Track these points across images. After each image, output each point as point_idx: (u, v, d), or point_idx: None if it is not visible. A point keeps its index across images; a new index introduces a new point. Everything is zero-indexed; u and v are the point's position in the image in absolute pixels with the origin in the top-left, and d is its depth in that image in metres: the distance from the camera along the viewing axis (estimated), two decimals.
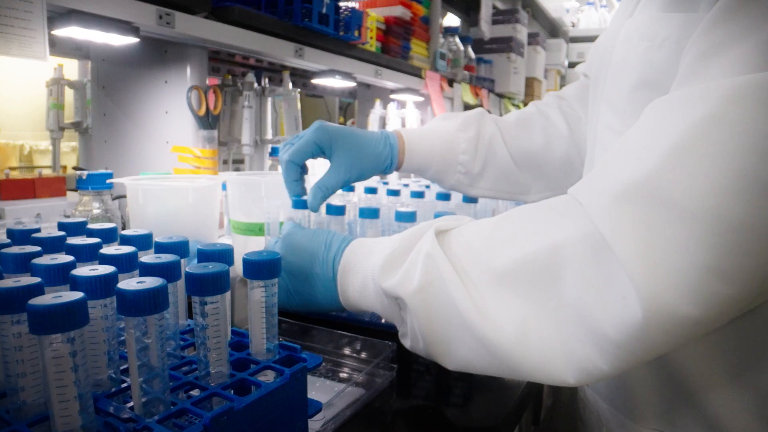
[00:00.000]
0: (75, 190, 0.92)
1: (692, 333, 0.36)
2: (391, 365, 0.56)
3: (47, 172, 1.33)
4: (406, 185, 1.15)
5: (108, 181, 0.88)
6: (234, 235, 0.92)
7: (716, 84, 0.37)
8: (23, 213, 1.09)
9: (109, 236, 0.48)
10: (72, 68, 1.55)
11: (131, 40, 0.94)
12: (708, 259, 0.34)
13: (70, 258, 0.37)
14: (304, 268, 0.59)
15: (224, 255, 0.40)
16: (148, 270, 0.36)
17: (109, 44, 1.16)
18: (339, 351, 0.60)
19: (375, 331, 0.69)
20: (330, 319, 0.72)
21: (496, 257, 0.44)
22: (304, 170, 0.74)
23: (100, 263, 0.39)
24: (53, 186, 1.22)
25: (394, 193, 0.98)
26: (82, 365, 0.28)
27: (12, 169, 1.77)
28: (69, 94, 1.51)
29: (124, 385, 0.35)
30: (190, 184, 0.78)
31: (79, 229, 0.52)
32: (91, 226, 0.51)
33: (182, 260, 0.44)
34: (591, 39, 4.17)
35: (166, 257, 0.38)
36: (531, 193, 0.85)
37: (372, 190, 1.00)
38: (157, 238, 0.44)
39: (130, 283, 0.30)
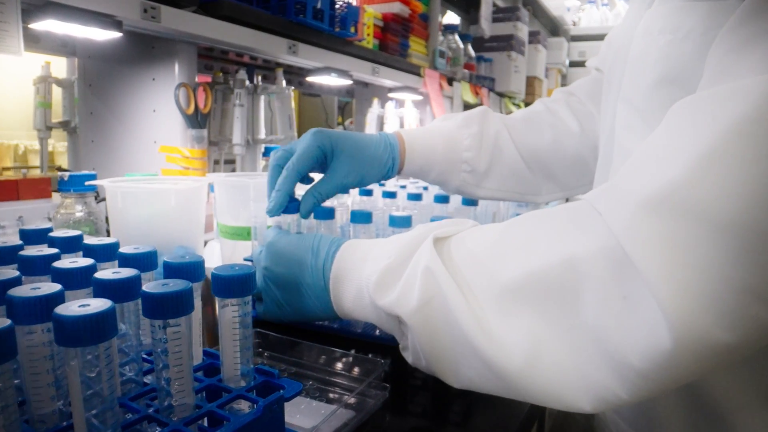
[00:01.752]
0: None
1: (727, 360, 0.32)
2: (383, 384, 0.51)
3: (37, 173, 1.29)
4: (403, 186, 1.11)
5: (88, 183, 0.83)
6: (222, 239, 0.87)
7: (751, 81, 0.33)
8: (5, 215, 1.05)
9: (71, 245, 0.44)
10: (61, 66, 1.51)
11: (114, 34, 0.89)
12: (745, 279, 0.30)
13: (14, 273, 0.32)
14: (293, 279, 0.55)
15: (192, 269, 0.36)
16: (101, 288, 0.32)
17: (95, 40, 1.12)
18: (328, 368, 0.55)
19: (369, 344, 0.65)
20: (321, 331, 0.67)
21: (503, 270, 0.40)
22: (304, 180, 0.67)
23: (52, 279, 0.34)
24: (38, 187, 1.17)
25: (391, 195, 0.93)
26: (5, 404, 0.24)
27: (6, 169, 1.73)
28: (57, 92, 1.47)
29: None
30: (173, 186, 0.73)
31: (41, 236, 0.47)
32: (56, 233, 0.46)
33: (151, 273, 0.40)
34: (592, 38, 4.13)
35: (126, 272, 0.33)
36: (542, 194, 0.80)
37: (367, 192, 0.95)
38: (122, 248, 0.40)
39: (70, 306, 0.26)
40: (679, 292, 0.30)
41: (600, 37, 4.15)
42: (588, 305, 0.35)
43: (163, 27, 0.95)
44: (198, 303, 0.37)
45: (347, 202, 0.98)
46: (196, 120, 1.08)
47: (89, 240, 0.43)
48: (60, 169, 1.49)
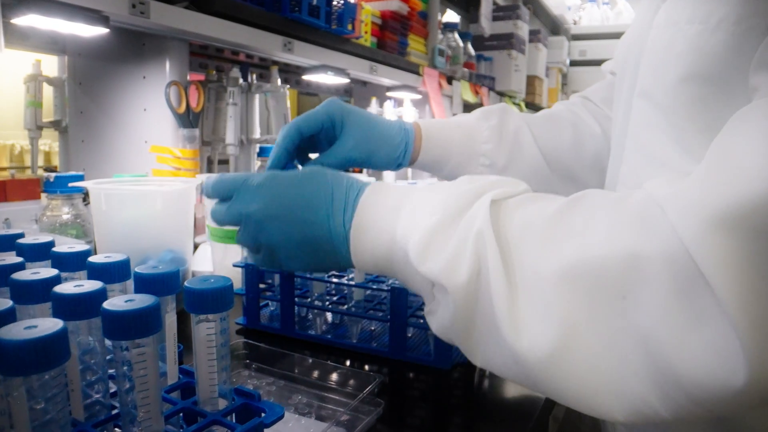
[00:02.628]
0: None
1: None
2: (377, 400, 0.48)
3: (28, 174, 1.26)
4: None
5: (72, 184, 0.80)
6: (213, 242, 0.84)
7: None
8: None
9: (40, 253, 0.41)
10: (53, 64, 1.48)
11: (100, 30, 0.86)
12: None
13: None
14: (298, 222, 0.45)
15: (165, 280, 0.32)
16: (59, 304, 0.28)
17: (86, 38, 1.09)
18: (319, 382, 0.52)
19: (364, 355, 0.62)
20: (313, 341, 0.64)
21: (554, 252, 0.36)
22: (300, 149, 0.62)
23: (10, 292, 0.31)
24: (26, 189, 1.14)
25: None
26: None
27: (2, 169, 1.70)
28: (49, 91, 1.44)
29: None
30: (159, 188, 0.70)
31: (9, 243, 0.44)
32: (25, 240, 0.43)
33: (124, 284, 0.37)
34: (593, 37, 4.10)
35: (90, 285, 0.30)
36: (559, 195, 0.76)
37: None
38: (93, 257, 0.37)
39: (14, 329, 0.23)
40: (763, 326, 0.27)
41: (601, 36, 4.14)
42: (643, 309, 0.32)
43: (152, 23, 0.92)
44: (171, 317, 0.34)
45: None
46: (188, 119, 1.05)
47: (60, 247, 0.40)
48: (48, 169, 1.46)
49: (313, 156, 0.64)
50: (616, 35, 4.02)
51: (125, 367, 0.27)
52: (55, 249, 0.40)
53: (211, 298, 0.30)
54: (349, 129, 0.62)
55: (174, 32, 1.01)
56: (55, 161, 1.70)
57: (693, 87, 0.43)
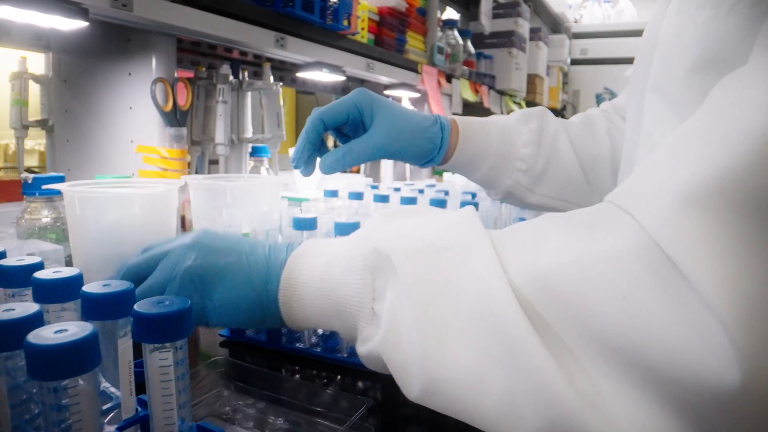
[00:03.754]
0: None
1: None
2: (366, 425, 0.44)
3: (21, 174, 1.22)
4: (397, 189, 1.03)
5: (46, 186, 0.76)
6: None
7: None
8: None
9: None
10: (40, 61, 1.43)
11: (79, 23, 0.81)
12: None
13: None
14: (225, 272, 0.44)
15: (117, 302, 0.28)
16: None
17: (69, 33, 1.05)
18: (305, 404, 0.48)
19: (354, 371, 0.57)
20: (300, 354, 0.60)
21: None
22: (322, 144, 0.61)
23: None
24: (8, 190, 1.10)
25: (383, 198, 0.86)
26: None
27: None
28: (36, 89, 1.39)
29: None
30: (137, 191, 0.66)
31: None
32: None
33: (72, 303, 0.32)
34: (594, 35, 4.05)
35: (22, 310, 0.25)
36: None
37: (358, 196, 0.87)
38: (38, 273, 0.32)
39: None
40: (753, 314, 0.23)
41: (602, 35, 4.09)
42: (602, 309, 0.29)
43: (136, 17, 0.87)
44: (126, 342, 0.30)
45: (338, 204, 0.91)
46: (175, 118, 1.01)
47: (6, 260, 0.36)
48: (27, 170, 1.41)
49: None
50: (618, 34, 4.00)
51: (55, 411, 0.22)
52: (2, 262, 0.35)
53: (165, 325, 0.26)
54: (380, 119, 0.59)
55: (160, 27, 0.97)
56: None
57: (702, 76, 0.39)
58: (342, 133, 0.64)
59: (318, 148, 0.60)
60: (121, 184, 0.76)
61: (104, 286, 0.29)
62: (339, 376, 0.56)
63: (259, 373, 0.50)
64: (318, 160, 0.61)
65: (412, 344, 0.34)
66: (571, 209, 0.71)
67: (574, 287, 0.30)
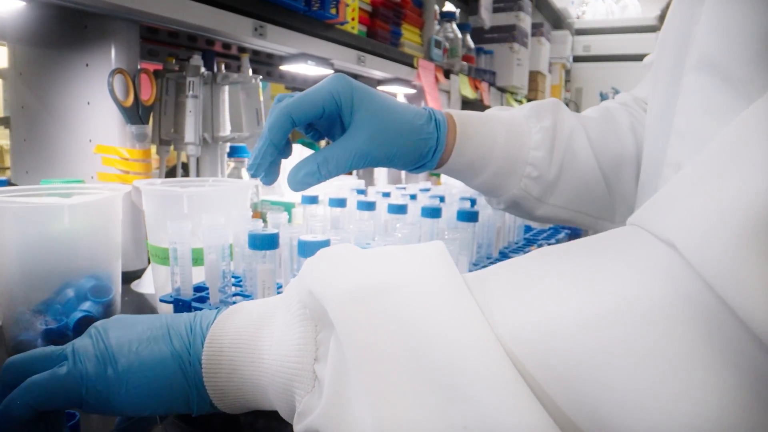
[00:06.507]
0: None
1: None
2: None
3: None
4: (386, 194, 0.92)
5: None
6: (155, 265, 0.69)
7: None
8: None
9: None
10: (3, 55, 1.33)
11: (16, 3, 0.70)
12: None
13: None
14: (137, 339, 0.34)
15: None
16: None
17: (24, 21, 0.94)
18: None
19: None
20: None
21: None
22: (287, 145, 0.49)
23: None
24: None
25: (369, 206, 0.74)
26: None
27: None
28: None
29: None
30: (65, 201, 0.54)
31: None
32: None
33: None
34: (598, 31, 3.94)
35: None
36: (615, 220, 0.60)
37: (340, 203, 0.76)
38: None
39: None
40: None
41: (605, 31, 3.98)
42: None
43: None
44: None
45: (319, 212, 0.80)
46: (137, 114, 0.90)
47: None
48: None
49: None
50: (622, 30, 3.89)
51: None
52: None
53: None
54: (362, 116, 0.47)
55: (118, 10, 0.86)
56: None
57: None
58: (313, 128, 0.52)
59: (282, 150, 0.49)
60: (65, 190, 0.66)
61: None
62: None
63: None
64: (283, 163, 0.50)
65: (361, 421, 0.24)
66: (587, 222, 0.60)
67: (587, 354, 0.22)
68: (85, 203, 0.55)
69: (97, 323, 0.35)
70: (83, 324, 0.56)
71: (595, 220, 0.59)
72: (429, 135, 0.51)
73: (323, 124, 0.50)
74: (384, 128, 0.48)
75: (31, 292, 0.56)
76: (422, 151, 0.51)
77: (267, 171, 0.47)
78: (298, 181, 0.46)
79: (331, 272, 0.28)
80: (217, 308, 0.35)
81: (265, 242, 0.46)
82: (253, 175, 0.47)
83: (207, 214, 0.60)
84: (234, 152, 1.19)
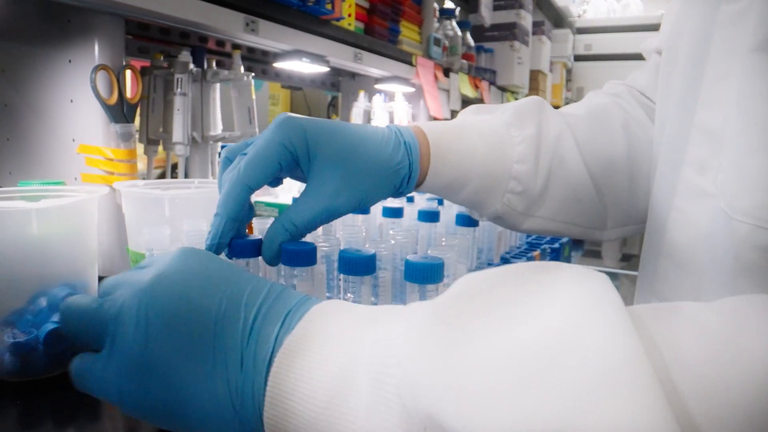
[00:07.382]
0: None
1: None
2: None
3: None
4: (410, 200, 0.87)
5: None
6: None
7: None
8: None
9: None
10: None
11: None
12: None
13: None
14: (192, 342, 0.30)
15: None
16: None
17: (7, 16, 0.90)
18: None
19: None
20: None
21: None
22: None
23: None
24: None
25: (396, 213, 0.68)
26: None
27: None
28: None
29: None
30: (33, 205, 0.51)
31: None
32: None
33: None
34: (599, 30, 3.90)
35: None
36: (606, 228, 0.56)
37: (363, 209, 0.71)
38: None
39: None
40: None
41: (607, 30, 3.93)
42: None
43: None
44: None
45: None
46: (122, 112, 0.86)
47: None
48: None
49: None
50: (624, 29, 3.84)
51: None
52: None
53: None
54: (322, 164, 0.42)
55: (102, 4, 0.82)
56: None
57: None
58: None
59: (243, 219, 0.43)
60: (38, 192, 0.62)
61: None
62: None
63: None
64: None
65: None
66: (576, 232, 0.56)
67: None
68: (54, 207, 0.51)
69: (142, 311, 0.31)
70: (54, 337, 0.52)
71: (584, 230, 0.55)
72: (400, 164, 0.45)
73: (285, 174, 0.45)
74: (348, 174, 0.43)
75: None
76: (395, 182, 0.46)
77: (231, 251, 0.43)
78: (272, 256, 0.42)
79: (477, 401, 0.21)
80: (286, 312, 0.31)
81: (304, 257, 0.42)
82: (216, 254, 0.42)
83: (189, 218, 0.56)
84: None
